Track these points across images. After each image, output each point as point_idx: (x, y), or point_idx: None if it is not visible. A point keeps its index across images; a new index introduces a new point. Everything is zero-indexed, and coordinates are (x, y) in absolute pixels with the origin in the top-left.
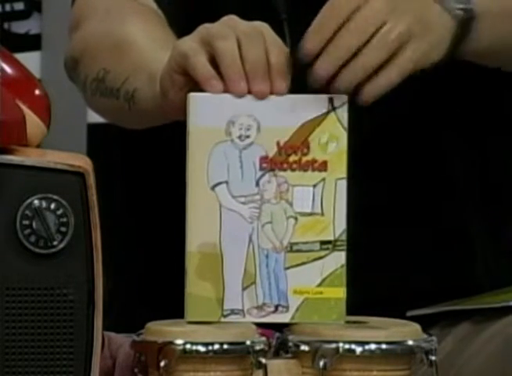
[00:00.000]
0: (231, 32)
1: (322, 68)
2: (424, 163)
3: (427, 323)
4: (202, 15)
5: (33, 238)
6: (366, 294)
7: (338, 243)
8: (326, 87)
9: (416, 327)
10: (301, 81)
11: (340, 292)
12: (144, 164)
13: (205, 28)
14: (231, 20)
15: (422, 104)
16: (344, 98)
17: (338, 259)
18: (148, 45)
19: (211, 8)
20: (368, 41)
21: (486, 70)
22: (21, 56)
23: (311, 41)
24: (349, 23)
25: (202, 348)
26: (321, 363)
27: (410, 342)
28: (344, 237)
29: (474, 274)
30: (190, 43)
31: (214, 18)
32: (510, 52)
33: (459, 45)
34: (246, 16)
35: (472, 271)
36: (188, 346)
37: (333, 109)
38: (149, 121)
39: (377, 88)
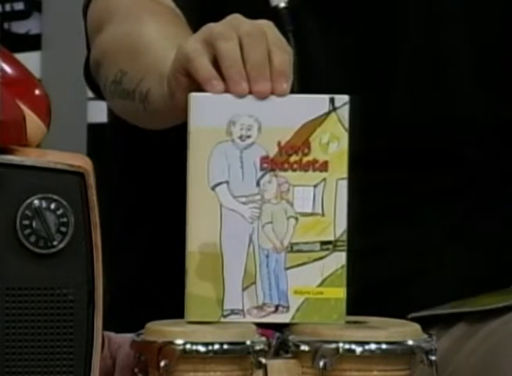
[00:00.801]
0: (233, 32)
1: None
2: (431, 162)
3: (425, 323)
4: (221, 10)
5: (33, 238)
6: (366, 287)
7: (339, 243)
8: None
9: (416, 327)
10: (302, 81)
11: (341, 292)
12: (144, 164)
13: (208, 28)
14: (235, 20)
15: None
16: (345, 98)
17: (339, 259)
18: (162, 44)
19: (230, 2)
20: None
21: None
22: (21, 56)
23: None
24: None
25: (202, 348)
26: (321, 363)
27: (410, 342)
28: (344, 238)
29: (473, 272)
30: (193, 44)
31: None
32: None
33: None
34: (260, 12)
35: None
36: (188, 346)
37: (334, 109)
38: (163, 122)
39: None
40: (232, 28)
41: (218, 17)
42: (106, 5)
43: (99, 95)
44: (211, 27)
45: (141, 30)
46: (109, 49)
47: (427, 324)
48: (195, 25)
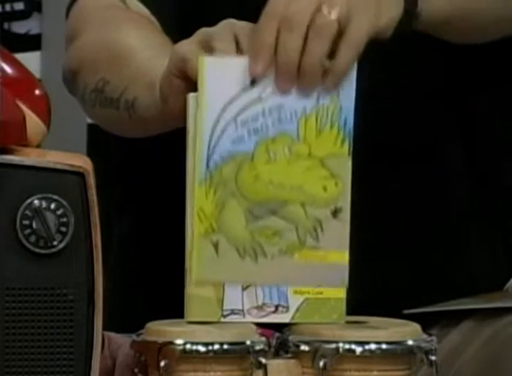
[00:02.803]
0: (229, 33)
1: (281, 86)
2: (419, 162)
3: (426, 323)
4: (200, 16)
5: (33, 238)
6: (364, 293)
7: None
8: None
9: (416, 327)
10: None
11: (341, 292)
12: (144, 164)
13: (203, 31)
14: (229, 23)
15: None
16: None
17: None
18: (144, 52)
19: (209, 9)
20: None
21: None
22: (21, 56)
23: (258, 64)
24: (284, 26)
25: (202, 348)
26: (321, 363)
27: (410, 342)
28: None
29: (469, 273)
30: (189, 46)
31: (211, 19)
32: (466, 23)
33: (412, 15)
34: (244, 16)
35: (468, 269)
36: (188, 346)
37: None
38: (150, 130)
39: (340, 72)
40: (228, 29)
41: (207, 15)
42: (81, 12)
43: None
44: (206, 30)
45: (120, 38)
46: (86, 58)
47: (428, 324)
48: (177, 30)
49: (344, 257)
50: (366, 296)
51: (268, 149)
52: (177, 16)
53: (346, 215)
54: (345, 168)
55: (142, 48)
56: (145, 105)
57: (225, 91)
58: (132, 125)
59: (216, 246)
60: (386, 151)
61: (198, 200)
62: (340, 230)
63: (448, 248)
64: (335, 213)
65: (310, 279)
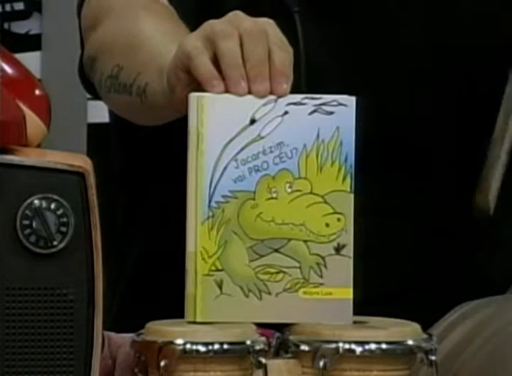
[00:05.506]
0: (234, 31)
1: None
2: (422, 163)
3: (426, 323)
4: (212, 7)
5: (33, 238)
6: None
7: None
8: None
9: (416, 326)
10: (304, 80)
11: (348, 293)
12: (144, 164)
13: (209, 25)
14: (236, 17)
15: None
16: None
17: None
18: (158, 39)
19: (219, 5)
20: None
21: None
22: (21, 56)
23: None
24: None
25: (202, 348)
26: (321, 363)
27: (410, 342)
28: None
29: (473, 269)
30: (194, 42)
31: (223, 11)
32: None
33: None
34: (257, 8)
35: (471, 265)
36: (188, 346)
37: None
38: (160, 117)
39: None
40: (233, 26)
41: (219, 6)
42: (101, 2)
43: (93, 93)
44: (212, 25)
45: (137, 27)
46: (104, 45)
47: (428, 326)
48: (192, 20)
49: (348, 292)
50: (368, 296)
51: (270, 186)
52: (194, 4)
53: (349, 251)
54: (347, 204)
55: (156, 35)
56: (155, 91)
57: (225, 130)
58: (144, 111)
59: (220, 285)
60: (390, 148)
61: (200, 239)
62: (344, 266)
63: (458, 249)
64: (338, 249)
65: (315, 315)
